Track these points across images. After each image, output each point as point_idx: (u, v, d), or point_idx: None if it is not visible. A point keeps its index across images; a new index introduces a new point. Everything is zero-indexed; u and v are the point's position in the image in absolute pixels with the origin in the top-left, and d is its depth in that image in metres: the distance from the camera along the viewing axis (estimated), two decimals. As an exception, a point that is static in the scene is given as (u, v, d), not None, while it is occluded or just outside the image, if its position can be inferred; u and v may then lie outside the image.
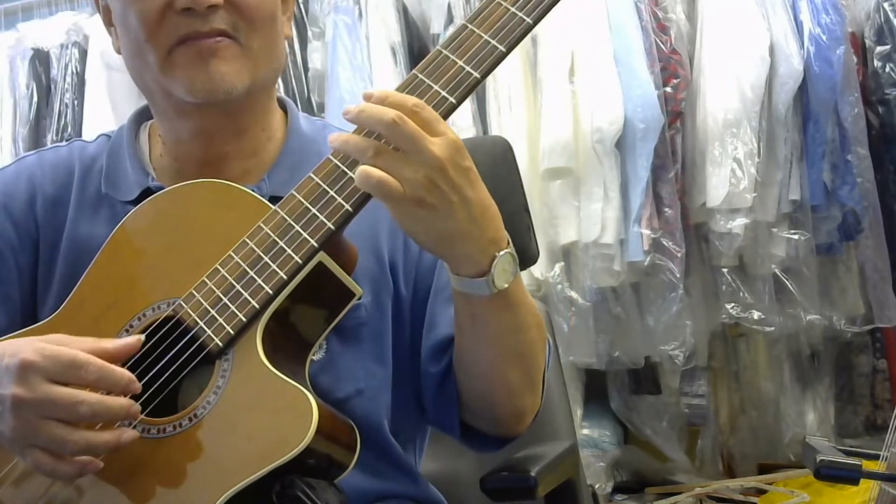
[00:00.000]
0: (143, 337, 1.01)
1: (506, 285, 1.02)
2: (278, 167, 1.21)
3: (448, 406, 1.17)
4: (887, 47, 2.70)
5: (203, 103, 1.14)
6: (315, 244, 1.00)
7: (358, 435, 1.01)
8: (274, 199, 1.11)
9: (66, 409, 0.93)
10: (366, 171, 0.96)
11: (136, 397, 1.00)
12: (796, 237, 2.68)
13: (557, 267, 2.73)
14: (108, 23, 1.22)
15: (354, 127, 0.99)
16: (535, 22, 1.03)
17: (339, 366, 1.15)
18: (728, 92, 2.62)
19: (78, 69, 3.14)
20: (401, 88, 1.02)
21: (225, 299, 1.01)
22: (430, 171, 0.95)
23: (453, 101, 1.01)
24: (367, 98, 0.98)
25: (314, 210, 1.01)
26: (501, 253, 1.01)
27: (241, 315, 1.00)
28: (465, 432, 1.19)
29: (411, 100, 0.97)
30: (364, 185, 0.96)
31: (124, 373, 0.96)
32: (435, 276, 1.19)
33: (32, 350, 0.95)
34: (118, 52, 1.21)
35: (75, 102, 3.12)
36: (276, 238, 1.02)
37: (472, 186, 0.98)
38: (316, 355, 1.12)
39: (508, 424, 1.17)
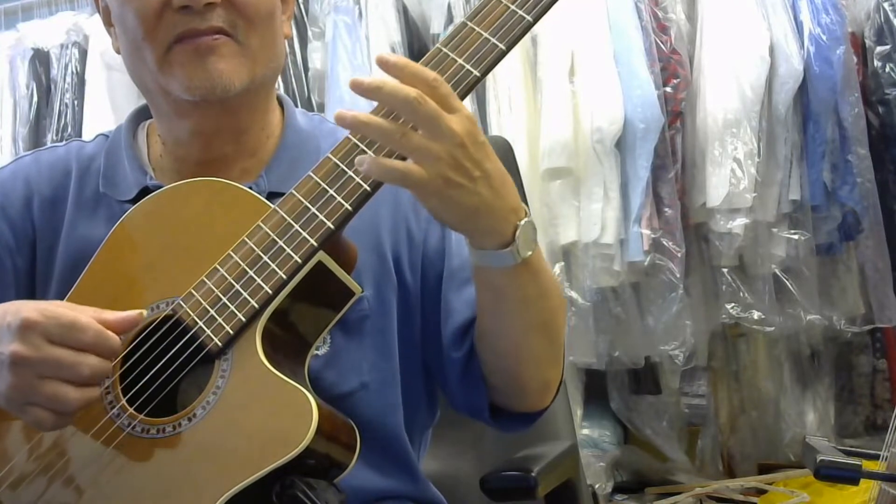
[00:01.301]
0: (144, 312, 1.01)
1: (529, 253, 1.03)
2: (276, 163, 1.20)
3: (475, 388, 1.17)
4: (887, 47, 2.70)
5: (201, 101, 1.14)
6: (314, 243, 1.00)
7: (358, 434, 1.01)
8: (272, 196, 1.11)
9: (69, 369, 0.94)
10: (386, 162, 0.95)
11: (136, 396, 1.01)
12: (796, 237, 2.67)
13: (557, 267, 2.72)
14: (108, 23, 1.22)
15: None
16: (535, 20, 1.02)
17: (342, 360, 1.15)
18: (728, 92, 2.62)
19: (78, 69, 3.14)
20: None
21: (224, 299, 1.01)
22: (452, 149, 0.95)
23: (453, 99, 1.01)
24: (383, 63, 0.97)
25: (313, 209, 1.01)
26: (523, 222, 1.02)
27: (240, 315, 0.99)
28: (494, 413, 1.19)
29: (430, 73, 0.96)
30: (386, 177, 0.96)
31: (116, 339, 0.97)
32: (445, 263, 1.19)
33: (34, 309, 0.96)
34: (118, 52, 1.21)
35: (75, 102, 3.11)
36: (275, 237, 1.01)
37: (490, 159, 0.99)
38: (320, 350, 1.13)
39: (535, 397, 1.17)
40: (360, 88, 0.96)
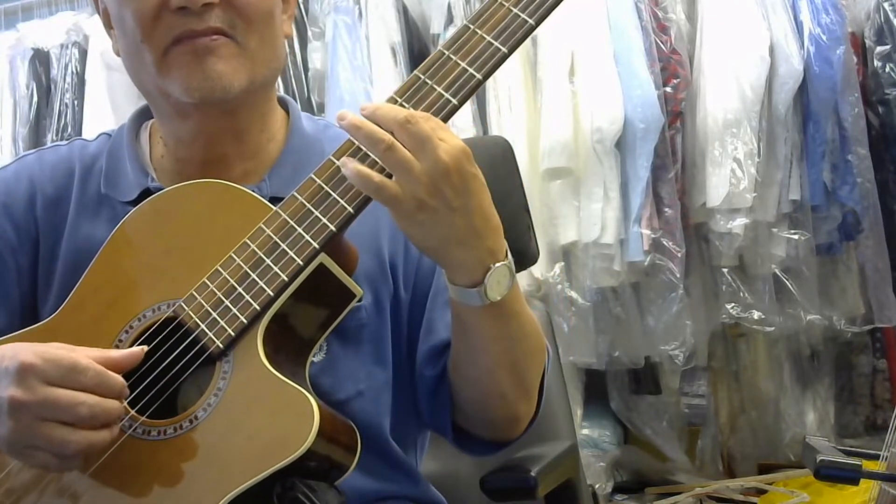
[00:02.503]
0: (146, 348, 1.01)
1: (498, 297, 1.02)
2: (279, 167, 1.20)
3: (441, 409, 1.17)
4: (887, 47, 2.70)
5: (200, 103, 1.13)
6: (316, 246, 1.00)
7: (358, 436, 1.01)
8: (275, 200, 1.10)
9: (67, 410, 0.93)
10: (365, 173, 0.96)
11: (137, 398, 1.00)
12: (796, 237, 2.67)
13: (557, 267, 2.73)
14: (109, 25, 1.21)
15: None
16: (538, 23, 1.03)
17: (339, 367, 1.15)
18: (728, 92, 2.62)
19: (78, 69, 3.13)
20: (402, 90, 1.02)
21: (226, 301, 1.01)
22: (435, 175, 0.95)
23: (455, 102, 1.01)
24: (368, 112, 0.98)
25: (316, 212, 1.01)
26: (497, 265, 1.01)
27: (241, 317, 1.00)
28: (459, 436, 1.19)
29: (417, 112, 0.98)
30: (362, 187, 0.97)
31: (119, 379, 0.96)
32: (434, 279, 1.19)
33: (32, 353, 0.95)
34: (118, 54, 1.20)
35: (75, 102, 3.11)
36: (277, 240, 1.01)
37: (476, 194, 0.98)
38: (316, 357, 1.12)
39: (503, 429, 1.17)
40: (364, 112, 0.98)
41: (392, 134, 0.96)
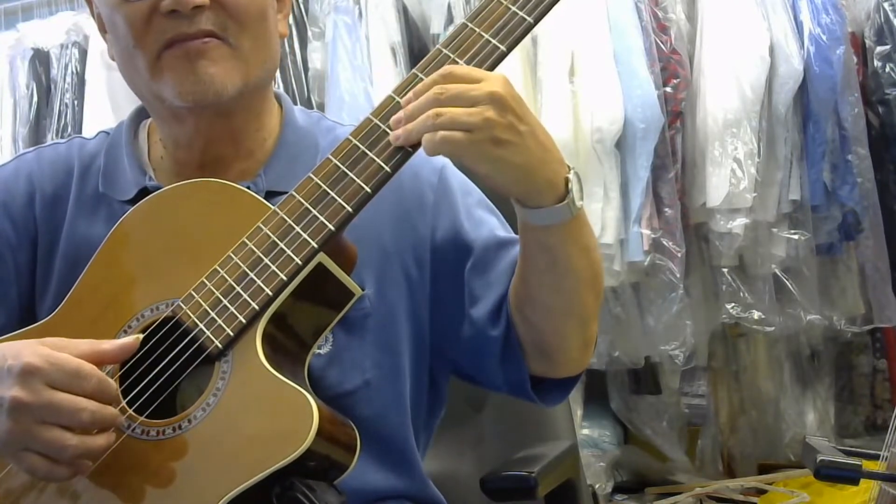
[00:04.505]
0: (140, 336, 1.01)
1: (582, 202, 1.03)
2: (274, 161, 1.20)
3: (516, 364, 1.15)
4: (887, 47, 2.70)
5: (194, 106, 1.13)
6: (315, 245, 1.00)
7: (358, 435, 1.01)
8: (271, 194, 1.11)
9: (69, 415, 0.93)
10: (427, 137, 0.96)
11: (135, 398, 1.01)
12: (796, 237, 2.67)
13: (558, 267, 2.72)
14: (103, 30, 1.21)
15: (354, 119, 1.00)
16: (536, 21, 1.03)
17: (345, 358, 1.14)
18: (728, 92, 2.62)
19: (78, 69, 3.13)
20: (400, 87, 1.02)
21: (224, 301, 1.00)
22: (493, 108, 0.96)
23: (453, 99, 1.01)
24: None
25: (314, 211, 1.01)
26: (571, 171, 1.03)
27: (240, 317, 0.99)
28: (535, 386, 1.17)
29: (437, 73, 0.98)
30: (430, 149, 0.97)
31: (115, 387, 0.97)
32: (460, 252, 1.18)
33: (36, 354, 0.94)
34: (113, 59, 1.20)
35: (75, 102, 3.11)
36: (275, 239, 1.01)
37: (530, 112, 1.00)
38: (322, 349, 1.12)
39: (576, 359, 1.16)
40: (401, 123, 0.99)
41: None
